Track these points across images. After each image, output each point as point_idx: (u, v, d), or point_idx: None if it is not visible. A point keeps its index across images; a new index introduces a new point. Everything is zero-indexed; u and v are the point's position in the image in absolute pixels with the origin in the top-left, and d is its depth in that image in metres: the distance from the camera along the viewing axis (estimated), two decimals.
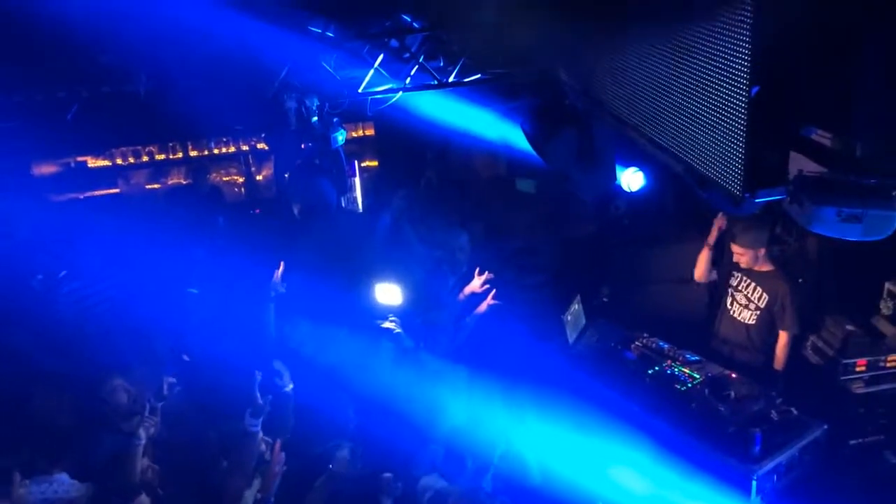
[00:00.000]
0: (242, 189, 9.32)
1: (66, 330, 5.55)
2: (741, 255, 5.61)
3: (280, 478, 4.14)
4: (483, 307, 5.61)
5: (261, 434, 4.20)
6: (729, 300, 5.83)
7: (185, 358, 5.26)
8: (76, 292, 5.56)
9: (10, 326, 5.39)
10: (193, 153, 8.95)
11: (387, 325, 5.24)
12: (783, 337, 5.60)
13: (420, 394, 4.77)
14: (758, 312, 5.63)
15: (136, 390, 4.67)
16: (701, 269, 6.09)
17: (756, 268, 5.65)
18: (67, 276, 5.59)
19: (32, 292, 5.62)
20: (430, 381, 5.05)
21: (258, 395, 4.29)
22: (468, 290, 5.73)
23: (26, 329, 5.45)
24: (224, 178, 9.31)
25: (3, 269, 5.72)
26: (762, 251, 5.61)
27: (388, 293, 5.49)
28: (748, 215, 5.00)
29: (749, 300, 5.68)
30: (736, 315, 5.77)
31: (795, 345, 5.83)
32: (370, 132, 9.29)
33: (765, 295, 5.59)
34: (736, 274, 5.78)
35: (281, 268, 5.24)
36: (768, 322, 5.62)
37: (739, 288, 5.75)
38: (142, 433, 4.18)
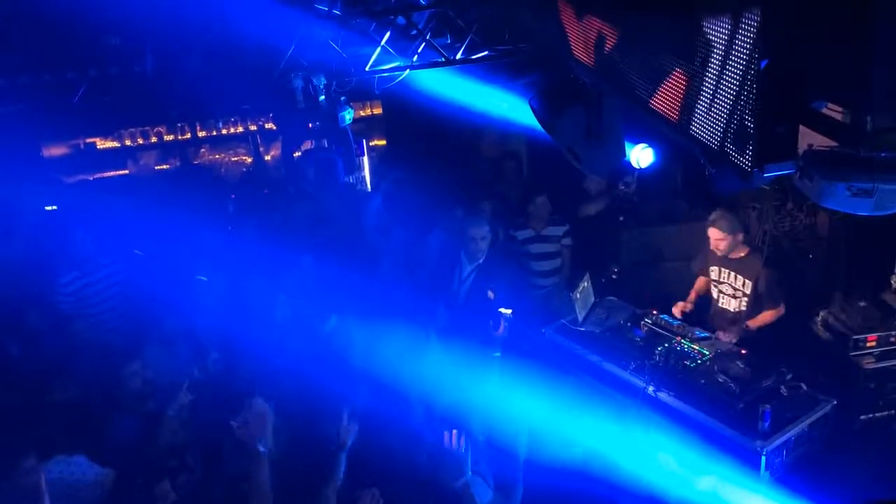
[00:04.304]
0: (251, 170, 9.30)
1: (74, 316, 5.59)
2: (721, 239, 5.65)
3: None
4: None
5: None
6: (715, 293, 5.94)
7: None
8: (73, 283, 5.57)
9: (22, 310, 5.43)
10: (202, 133, 8.94)
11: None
12: (770, 313, 5.66)
13: (429, 376, 4.77)
14: (746, 298, 5.73)
15: (150, 375, 4.72)
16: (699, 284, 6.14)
17: (732, 256, 5.72)
18: (65, 266, 5.60)
19: (44, 277, 5.65)
20: (442, 365, 5.05)
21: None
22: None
23: (38, 312, 5.50)
24: (233, 159, 9.30)
25: (14, 253, 5.75)
26: (740, 235, 5.68)
27: None
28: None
29: (735, 289, 5.78)
30: (725, 305, 5.88)
31: (804, 320, 5.84)
32: (378, 111, 9.23)
33: (747, 281, 5.68)
34: (713, 268, 5.87)
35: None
36: (758, 303, 5.69)
37: (722, 280, 5.86)
38: (174, 407, 4.20)
